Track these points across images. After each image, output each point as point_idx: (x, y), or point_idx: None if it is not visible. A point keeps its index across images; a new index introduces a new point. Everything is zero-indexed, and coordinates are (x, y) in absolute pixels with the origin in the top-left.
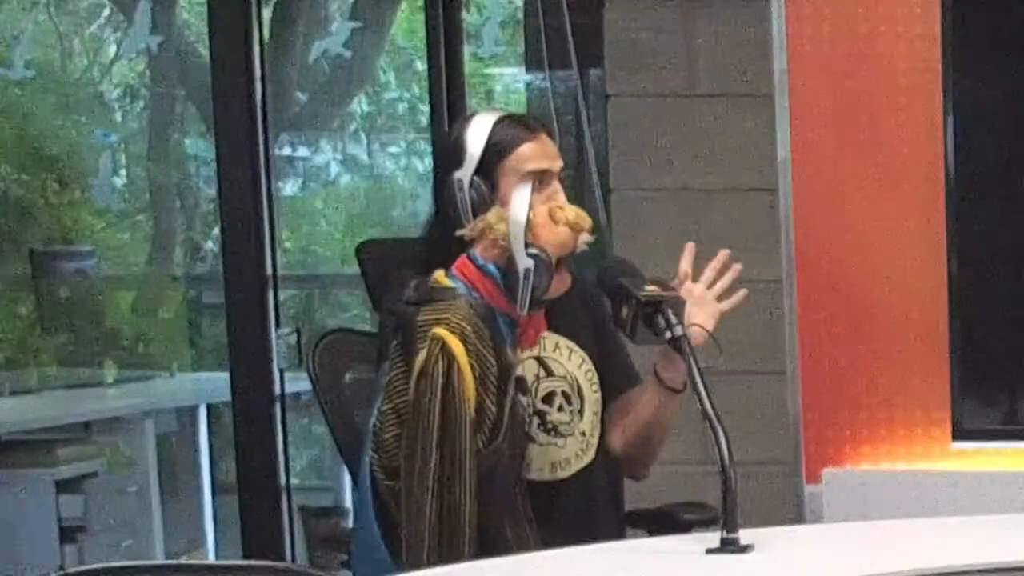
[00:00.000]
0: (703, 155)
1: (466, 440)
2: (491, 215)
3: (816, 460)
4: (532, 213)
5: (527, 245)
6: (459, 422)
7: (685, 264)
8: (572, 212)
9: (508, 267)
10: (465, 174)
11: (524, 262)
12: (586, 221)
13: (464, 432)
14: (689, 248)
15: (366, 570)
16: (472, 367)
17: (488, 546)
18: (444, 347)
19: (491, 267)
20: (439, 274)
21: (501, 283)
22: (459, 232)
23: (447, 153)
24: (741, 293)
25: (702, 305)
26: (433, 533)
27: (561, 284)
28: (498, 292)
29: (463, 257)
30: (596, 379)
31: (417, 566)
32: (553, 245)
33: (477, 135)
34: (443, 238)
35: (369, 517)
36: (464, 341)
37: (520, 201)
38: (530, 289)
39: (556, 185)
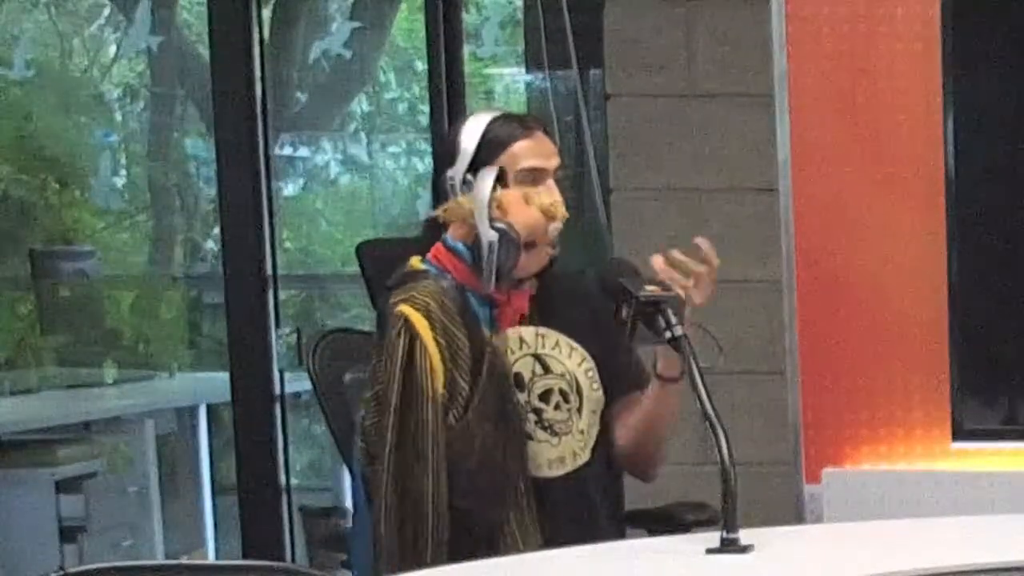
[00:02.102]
0: (703, 155)
1: (427, 416)
2: (460, 197)
3: (816, 460)
4: (504, 192)
5: (492, 220)
6: (421, 398)
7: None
8: (548, 198)
9: (476, 244)
10: (457, 171)
11: (488, 235)
12: (559, 210)
13: (426, 408)
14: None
15: (362, 561)
16: (439, 343)
17: (492, 539)
18: (406, 323)
19: (460, 246)
20: (414, 260)
21: (470, 261)
22: (431, 214)
23: (443, 152)
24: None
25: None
26: (390, 513)
27: (534, 263)
28: (468, 271)
29: (437, 242)
30: (597, 378)
31: (377, 547)
32: (522, 224)
33: (471, 133)
34: (437, 234)
35: (361, 505)
36: (429, 317)
37: (484, 179)
38: (495, 262)
39: (550, 183)
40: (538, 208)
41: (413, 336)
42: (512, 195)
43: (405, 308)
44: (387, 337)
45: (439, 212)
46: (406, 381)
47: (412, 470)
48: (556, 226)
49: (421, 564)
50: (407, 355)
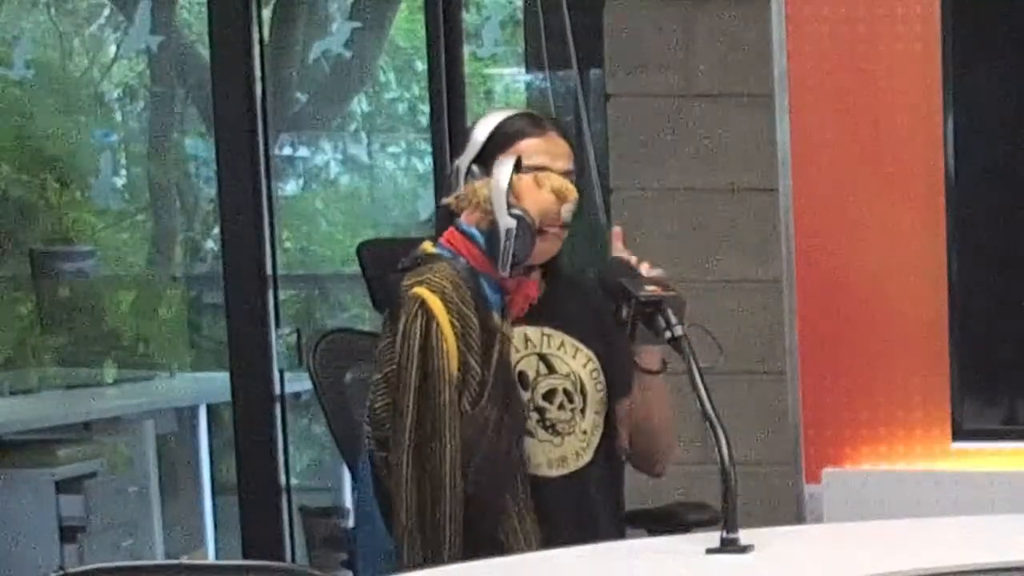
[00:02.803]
0: (703, 155)
1: (445, 397)
2: (476, 183)
3: (816, 460)
4: (516, 177)
5: (510, 206)
6: (438, 379)
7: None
8: (558, 180)
9: (491, 230)
10: (463, 161)
11: (506, 222)
12: (571, 191)
13: (444, 389)
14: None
15: (366, 550)
16: (453, 325)
17: (490, 533)
18: (423, 305)
19: (474, 231)
20: (426, 244)
21: (484, 247)
22: (443, 201)
23: (459, 143)
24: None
25: None
26: (411, 494)
27: (547, 252)
28: (482, 256)
29: (450, 227)
30: (602, 378)
31: (399, 532)
32: (536, 209)
33: (485, 125)
34: (448, 222)
35: (367, 494)
36: (444, 300)
37: (503, 168)
38: (512, 249)
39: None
40: (550, 190)
41: (430, 318)
42: (524, 180)
43: (421, 291)
44: (402, 319)
45: (452, 199)
46: (424, 362)
47: (430, 450)
48: (569, 207)
49: (441, 544)
50: (424, 337)
